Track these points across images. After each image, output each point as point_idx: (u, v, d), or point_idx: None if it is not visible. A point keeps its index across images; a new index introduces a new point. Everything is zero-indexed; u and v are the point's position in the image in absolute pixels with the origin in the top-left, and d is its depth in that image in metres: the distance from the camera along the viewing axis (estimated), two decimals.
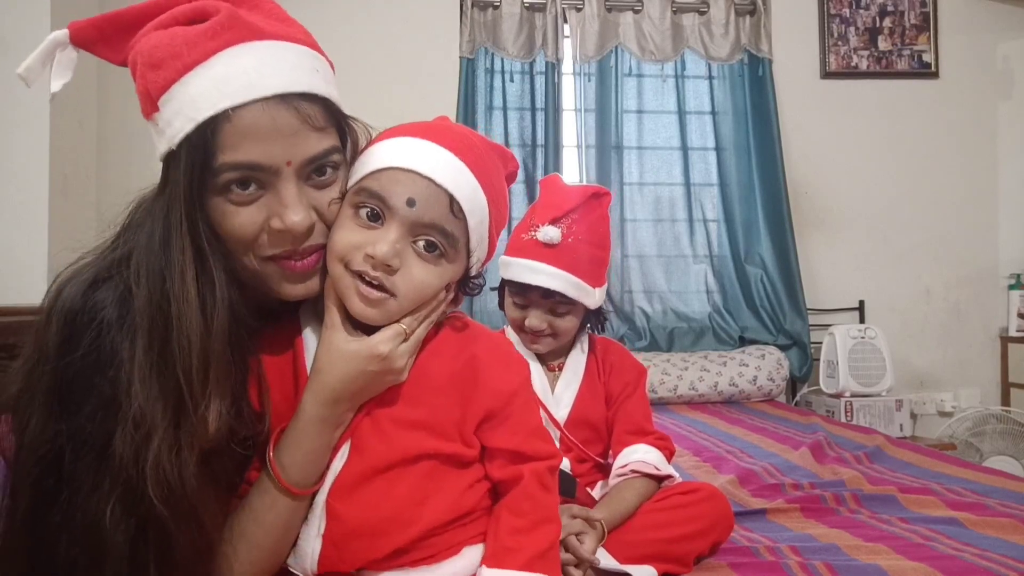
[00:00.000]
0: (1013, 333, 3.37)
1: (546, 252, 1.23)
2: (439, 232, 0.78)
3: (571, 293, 1.24)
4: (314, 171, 0.77)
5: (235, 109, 0.71)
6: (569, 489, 1.18)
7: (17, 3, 2.58)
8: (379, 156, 0.80)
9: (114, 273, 0.76)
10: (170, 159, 0.74)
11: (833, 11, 3.46)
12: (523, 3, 3.28)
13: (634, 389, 1.31)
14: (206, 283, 0.74)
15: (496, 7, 3.27)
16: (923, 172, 3.46)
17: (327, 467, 0.80)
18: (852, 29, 3.46)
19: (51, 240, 2.59)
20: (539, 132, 3.28)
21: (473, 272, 0.87)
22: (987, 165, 3.50)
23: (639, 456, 1.20)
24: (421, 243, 0.78)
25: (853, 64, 3.46)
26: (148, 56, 0.73)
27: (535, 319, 1.25)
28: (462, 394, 0.82)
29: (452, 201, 0.79)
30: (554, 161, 3.24)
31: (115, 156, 2.97)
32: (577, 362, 1.32)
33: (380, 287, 0.76)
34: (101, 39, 0.79)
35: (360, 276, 0.76)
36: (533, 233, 1.24)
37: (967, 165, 3.48)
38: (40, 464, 0.71)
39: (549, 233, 1.22)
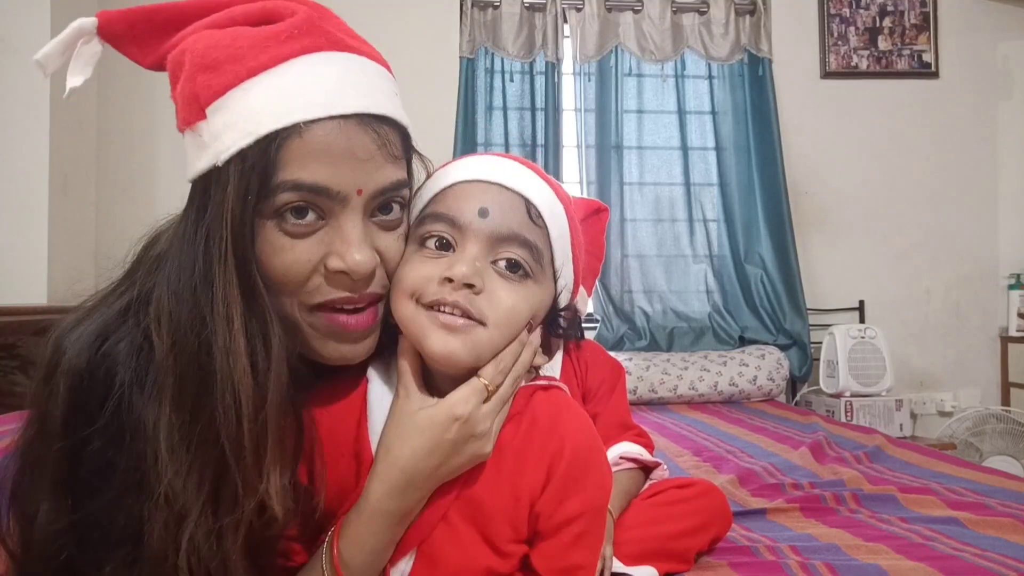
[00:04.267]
0: (1013, 333, 3.37)
1: None
2: (520, 244, 0.68)
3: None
4: (380, 207, 0.68)
5: (307, 124, 0.62)
6: None
7: (17, 3, 2.58)
8: (438, 180, 0.72)
9: (128, 320, 0.65)
10: (211, 178, 0.63)
11: (833, 11, 3.45)
12: (523, 3, 3.28)
13: (613, 386, 1.33)
14: (257, 329, 0.63)
15: (496, 7, 3.27)
16: (923, 172, 3.46)
17: (391, 565, 0.69)
18: (852, 29, 3.46)
19: (51, 240, 2.59)
20: (539, 132, 3.28)
21: (561, 303, 0.75)
22: (987, 165, 3.50)
23: (625, 449, 1.22)
24: (502, 263, 0.68)
25: (853, 64, 3.46)
26: (202, 56, 0.63)
27: None
28: (529, 512, 0.70)
29: (529, 206, 0.70)
30: (554, 161, 3.24)
31: (115, 156, 2.97)
32: (553, 363, 1.34)
33: (465, 315, 0.66)
34: (131, 35, 0.69)
35: (437, 308, 0.66)
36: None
37: (967, 165, 3.48)
38: (54, 564, 0.61)
39: None
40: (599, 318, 3.28)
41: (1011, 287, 3.39)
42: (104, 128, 3.00)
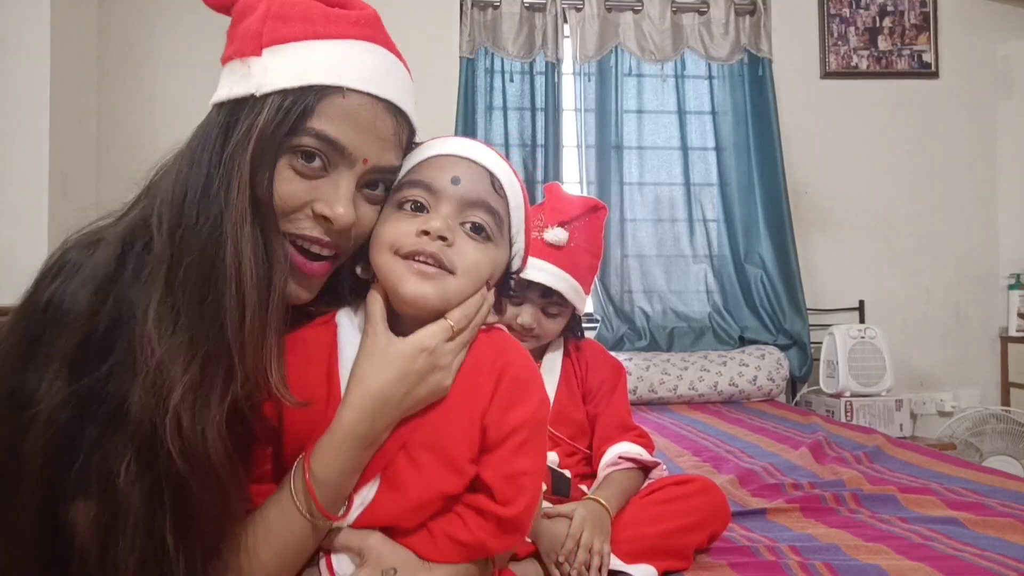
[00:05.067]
0: (1013, 333, 3.37)
1: (551, 252, 1.26)
2: (485, 209, 0.79)
3: (569, 295, 1.27)
4: (369, 183, 0.79)
5: (349, 90, 0.73)
6: (563, 488, 1.19)
7: (17, 3, 2.58)
8: (417, 154, 0.83)
9: (138, 235, 0.73)
10: (244, 103, 0.72)
11: (833, 11, 3.46)
12: (523, 3, 3.28)
13: (614, 386, 1.34)
14: (261, 234, 0.72)
15: (496, 7, 3.27)
16: (923, 172, 3.46)
17: (354, 493, 0.76)
18: (852, 29, 3.46)
19: (51, 240, 2.59)
20: (539, 132, 3.28)
21: (514, 267, 0.87)
22: (987, 165, 3.50)
23: (624, 449, 1.24)
24: (468, 225, 0.79)
25: (853, 64, 3.46)
26: (279, 9, 0.74)
27: (527, 316, 1.27)
28: (479, 426, 0.79)
29: (493, 178, 0.82)
30: (554, 161, 3.24)
31: (115, 156, 2.98)
32: (553, 362, 1.34)
33: (438, 264, 0.76)
34: None
35: (413, 258, 0.76)
36: (539, 233, 1.27)
37: (967, 165, 3.48)
38: (56, 431, 0.66)
39: (558, 235, 1.27)
40: (599, 318, 3.28)
41: (1011, 287, 3.39)
42: (104, 128, 3.00)
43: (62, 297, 0.70)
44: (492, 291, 0.83)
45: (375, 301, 0.78)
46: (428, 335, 0.76)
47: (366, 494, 0.77)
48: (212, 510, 0.68)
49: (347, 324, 0.82)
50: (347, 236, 0.78)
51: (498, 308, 0.85)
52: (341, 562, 0.76)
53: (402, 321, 0.78)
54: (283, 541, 0.73)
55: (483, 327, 0.83)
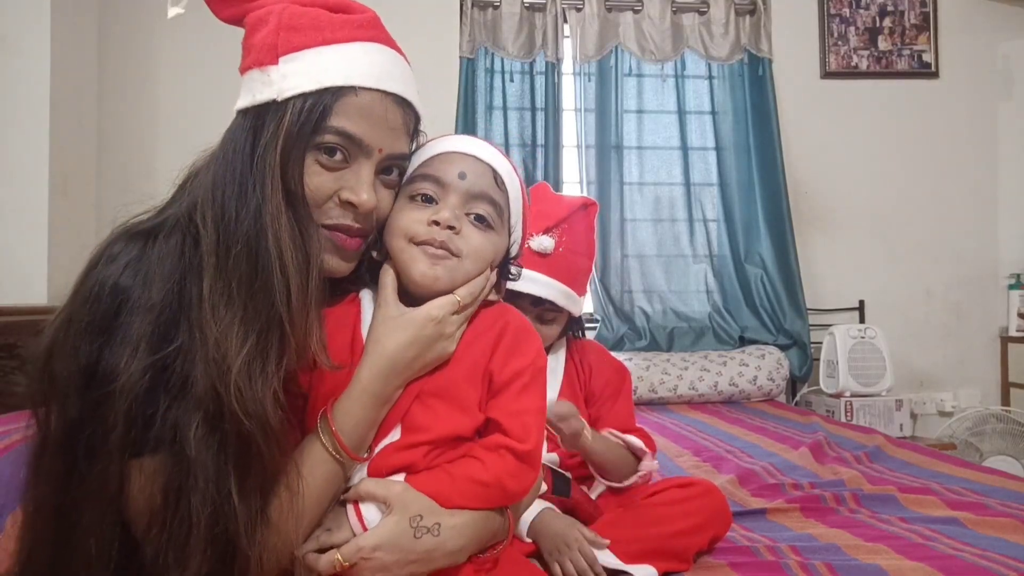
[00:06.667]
0: (1013, 333, 3.37)
1: (538, 261, 1.24)
2: (487, 202, 0.88)
3: (560, 302, 1.25)
4: (384, 169, 0.86)
5: (361, 89, 0.81)
6: (563, 488, 1.19)
7: (17, 3, 2.58)
8: (427, 150, 0.91)
9: (186, 229, 0.79)
10: (268, 108, 0.80)
11: (833, 11, 3.46)
12: (523, 3, 3.28)
13: (617, 389, 1.32)
14: (298, 225, 0.79)
15: (496, 7, 3.27)
16: (923, 172, 3.46)
17: (375, 445, 0.84)
18: (852, 29, 3.46)
19: (51, 240, 2.59)
20: (539, 132, 3.28)
21: (512, 253, 0.95)
22: (987, 165, 3.50)
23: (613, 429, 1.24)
24: (473, 216, 0.88)
25: (853, 64, 3.46)
26: (289, 20, 0.82)
27: None
28: (484, 373, 0.87)
29: (495, 174, 0.90)
30: (554, 161, 3.24)
31: (115, 156, 2.97)
32: (556, 364, 1.33)
33: (447, 251, 0.85)
34: None
35: (425, 246, 0.85)
36: (526, 241, 1.25)
37: (967, 165, 3.48)
38: (134, 401, 0.72)
39: (543, 243, 1.25)
40: (599, 318, 3.28)
41: (1011, 287, 3.40)
42: (104, 128, 3.00)
43: (130, 282, 0.76)
44: (494, 272, 0.91)
45: (387, 275, 0.87)
46: (437, 306, 0.84)
47: (385, 443, 0.84)
48: (271, 464, 0.75)
49: (367, 300, 0.91)
50: (371, 218, 0.86)
51: (498, 288, 0.93)
52: (369, 510, 0.81)
53: (412, 298, 0.86)
54: (310, 482, 0.79)
55: (485, 303, 0.91)
